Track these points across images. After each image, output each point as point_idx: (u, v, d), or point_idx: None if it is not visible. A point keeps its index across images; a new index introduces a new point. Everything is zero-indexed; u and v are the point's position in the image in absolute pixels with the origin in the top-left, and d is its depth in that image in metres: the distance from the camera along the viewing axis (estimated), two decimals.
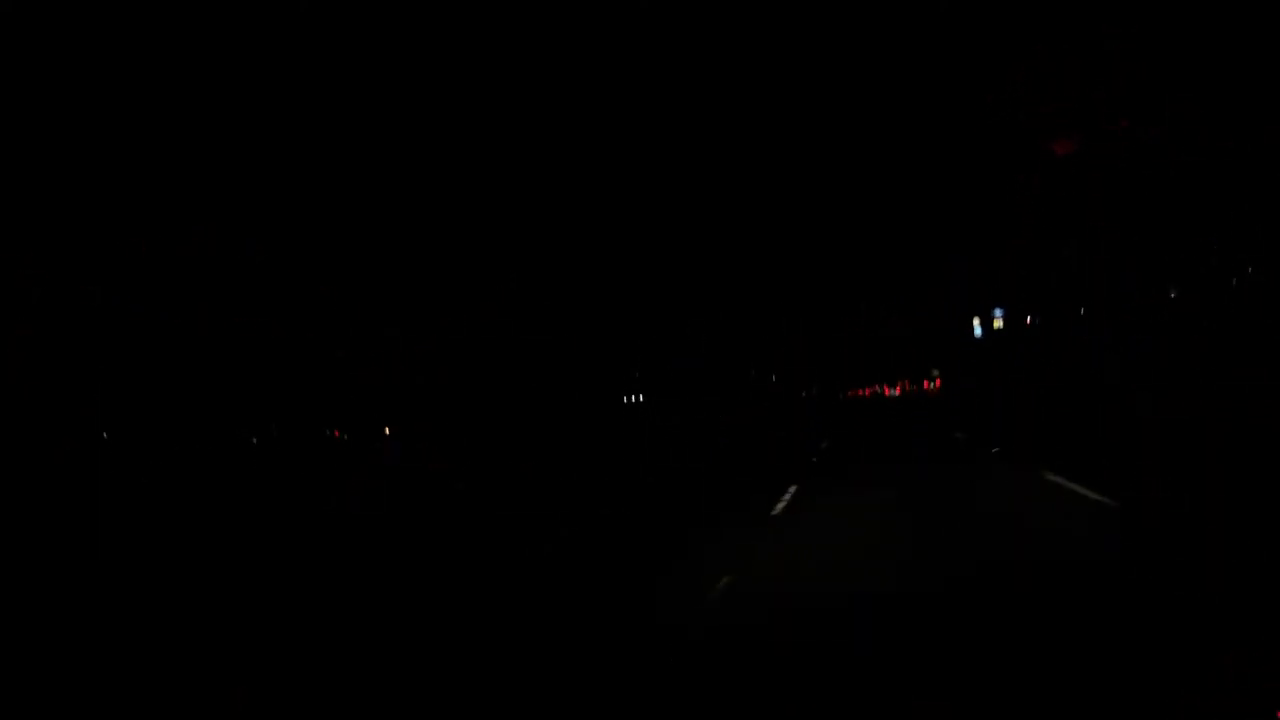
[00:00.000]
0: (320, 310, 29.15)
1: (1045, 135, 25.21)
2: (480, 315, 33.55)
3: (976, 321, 51.10)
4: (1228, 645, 4.72)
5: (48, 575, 10.93)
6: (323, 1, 23.41)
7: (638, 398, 51.99)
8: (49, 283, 24.38)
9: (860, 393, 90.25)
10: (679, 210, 41.02)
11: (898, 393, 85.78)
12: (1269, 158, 19.13)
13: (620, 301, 42.48)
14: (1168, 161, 21.73)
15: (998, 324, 47.57)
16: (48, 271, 24.24)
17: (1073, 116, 24.10)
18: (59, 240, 24.25)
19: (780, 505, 11.54)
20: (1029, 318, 41.25)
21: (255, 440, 30.35)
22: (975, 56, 25.65)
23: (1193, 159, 20.98)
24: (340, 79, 25.40)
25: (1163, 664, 4.57)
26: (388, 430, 31.89)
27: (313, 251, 28.26)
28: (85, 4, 22.37)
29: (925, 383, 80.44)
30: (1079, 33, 21.58)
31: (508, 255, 33.91)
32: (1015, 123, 26.94)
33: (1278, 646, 4.66)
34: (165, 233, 25.35)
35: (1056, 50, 22.55)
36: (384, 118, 27.47)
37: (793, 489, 13.22)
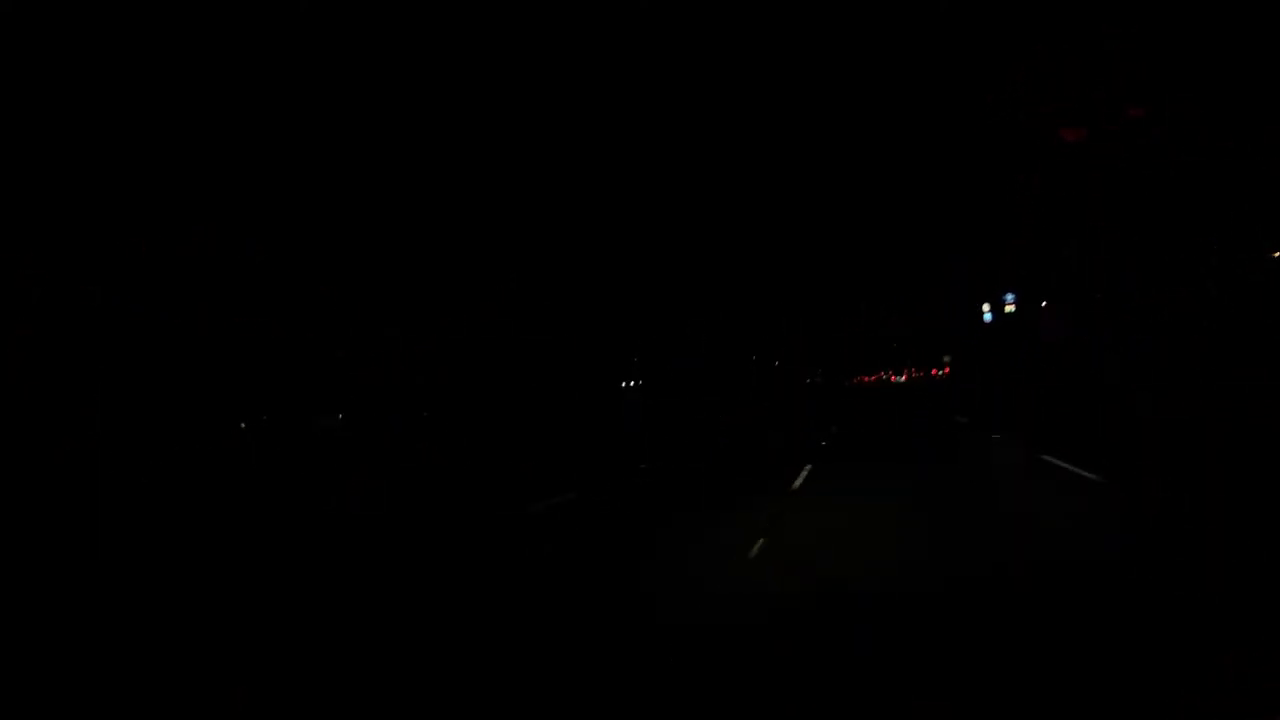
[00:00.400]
0: (320, 310, 29.11)
1: (1046, 134, 25.18)
2: (480, 315, 33.51)
3: (986, 307, 49.28)
4: (1228, 645, 4.69)
5: (48, 576, 10.91)
6: (323, 1, 23.38)
7: (636, 390, 51.77)
8: (49, 283, 24.34)
9: (865, 379, 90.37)
10: (679, 210, 40.98)
11: (904, 379, 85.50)
12: (1269, 158, 19.09)
13: (620, 300, 42.43)
14: (1168, 161, 21.69)
15: (1009, 309, 45.81)
16: (48, 271, 24.20)
17: (1073, 116, 24.06)
18: (59, 240, 24.22)
19: (781, 503, 11.53)
20: (1043, 302, 40.28)
21: (252, 436, 30.24)
22: (975, 56, 25.62)
23: (1193, 159, 20.94)
24: (340, 79, 25.36)
25: (1162, 664, 4.54)
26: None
27: (313, 251, 28.22)
28: (85, 4, 22.34)
29: (934, 370, 79.97)
30: (1079, 32, 21.55)
31: (508, 255, 33.87)
32: (1016, 122, 26.90)
33: (1278, 646, 4.62)
34: (165, 233, 25.31)
35: (1057, 50, 22.52)
36: (384, 118, 27.43)
37: (795, 485, 13.23)
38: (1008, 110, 26.78)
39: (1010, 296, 45.19)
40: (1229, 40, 18.45)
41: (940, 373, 76.91)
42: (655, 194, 38.31)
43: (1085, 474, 11.76)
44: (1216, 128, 19.69)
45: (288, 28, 23.93)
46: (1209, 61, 19.10)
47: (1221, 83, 19.05)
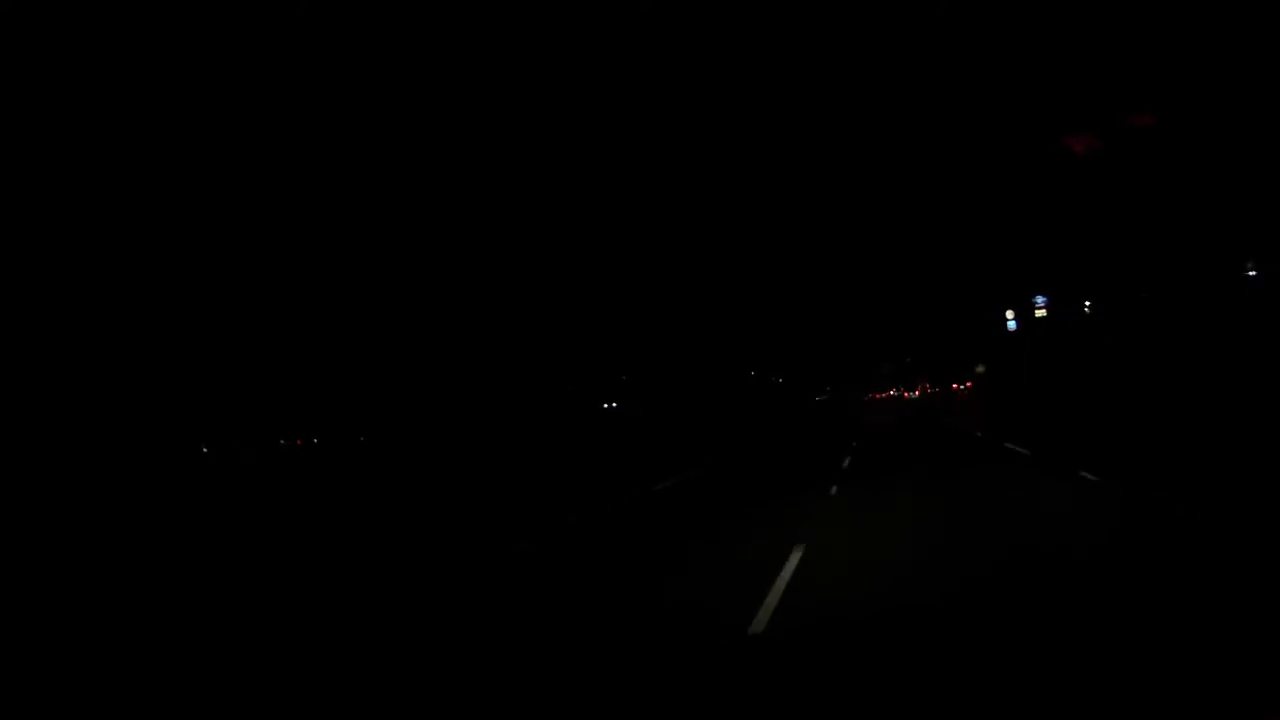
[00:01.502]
0: (319, 310, 29.16)
1: (1066, 133, 24.97)
2: (473, 320, 33.55)
3: (1010, 314, 46.35)
4: (1229, 648, 4.57)
5: (50, 579, 11.00)
6: (323, 2, 23.31)
7: (630, 416, 51.95)
8: (48, 283, 24.40)
9: (876, 396, 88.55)
10: (682, 216, 40.77)
11: (917, 395, 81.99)
12: (1271, 157, 18.79)
13: (617, 312, 42.36)
14: (1176, 160, 21.48)
15: (1040, 312, 43.12)
16: (47, 271, 24.25)
17: (1088, 115, 23.86)
18: (58, 240, 24.26)
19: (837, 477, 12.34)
20: (1085, 303, 38.65)
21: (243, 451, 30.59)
22: (983, 56, 25.34)
23: (1198, 157, 20.74)
24: (340, 79, 25.30)
25: (1162, 663, 4.42)
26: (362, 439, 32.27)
27: (311, 251, 28.26)
28: (85, 4, 22.35)
29: (955, 385, 69.39)
30: (1083, 29, 21.26)
31: (505, 260, 33.83)
32: (1035, 123, 26.66)
33: (1278, 646, 4.51)
34: (165, 232, 25.36)
35: (1067, 47, 22.24)
36: (384, 120, 27.36)
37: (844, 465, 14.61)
38: (1027, 110, 26.55)
39: (1041, 299, 42.67)
40: (1230, 40, 18.08)
41: (961, 387, 69.88)
42: (659, 201, 38.11)
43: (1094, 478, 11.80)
44: (1221, 127, 19.40)
45: (288, 28, 23.88)
46: (1214, 61, 18.74)
47: (1224, 82, 18.69)
